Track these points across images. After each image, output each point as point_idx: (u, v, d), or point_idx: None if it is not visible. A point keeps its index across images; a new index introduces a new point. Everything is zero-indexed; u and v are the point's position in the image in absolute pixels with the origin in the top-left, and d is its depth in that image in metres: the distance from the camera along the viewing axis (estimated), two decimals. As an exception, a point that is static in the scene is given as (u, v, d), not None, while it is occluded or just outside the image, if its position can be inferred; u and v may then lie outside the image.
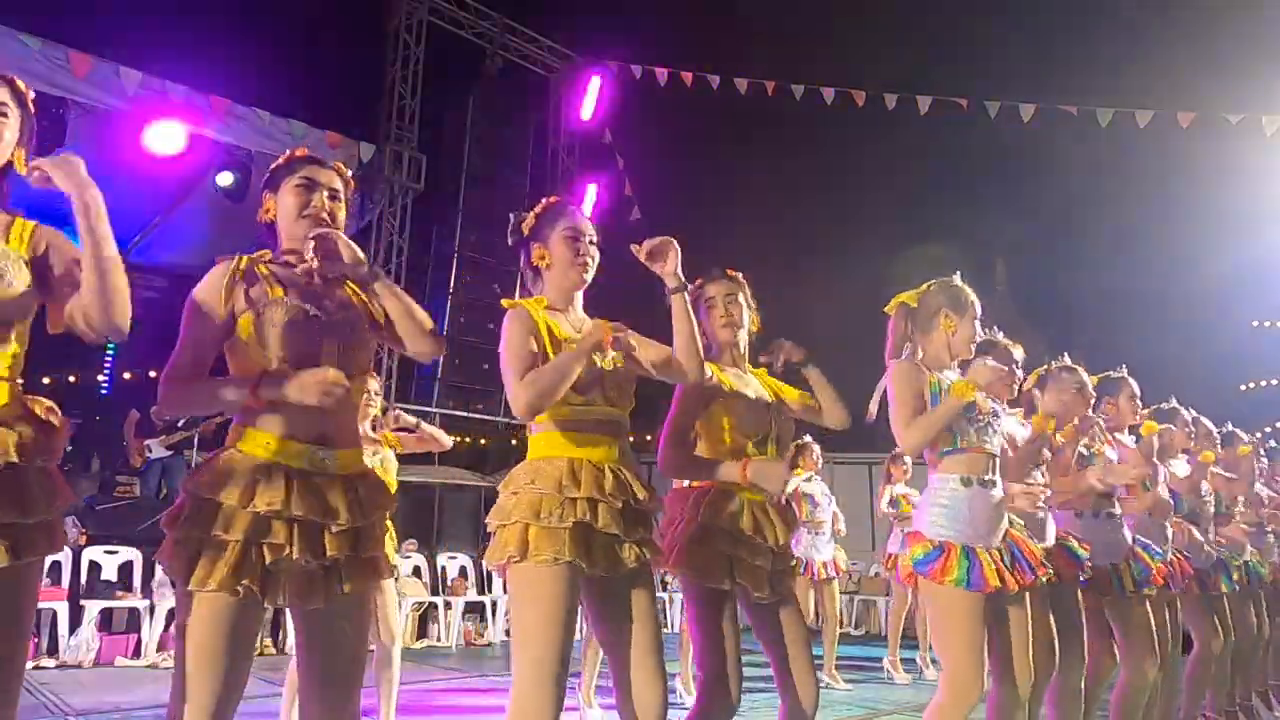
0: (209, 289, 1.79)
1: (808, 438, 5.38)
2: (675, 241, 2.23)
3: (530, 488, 2.02)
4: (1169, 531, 3.40)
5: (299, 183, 1.91)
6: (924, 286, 2.64)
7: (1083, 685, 2.92)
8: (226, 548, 1.63)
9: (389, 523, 3.71)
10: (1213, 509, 3.99)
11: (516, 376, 2.01)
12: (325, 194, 1.92)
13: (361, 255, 1.88)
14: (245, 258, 1.86)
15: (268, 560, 1.66)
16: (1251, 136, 8.42)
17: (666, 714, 2.03)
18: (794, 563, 2.58)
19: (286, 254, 1.91)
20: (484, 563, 2.11)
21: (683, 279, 2.21)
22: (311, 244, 1.82)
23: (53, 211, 1.65)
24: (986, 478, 2.47)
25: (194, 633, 1.63)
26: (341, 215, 1.97)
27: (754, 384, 2.59)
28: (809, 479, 6.06)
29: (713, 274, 2.62)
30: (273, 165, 1.98)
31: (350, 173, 2.02)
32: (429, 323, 1.92)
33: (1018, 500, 2.70)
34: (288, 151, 1.99)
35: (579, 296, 2.27)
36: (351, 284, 1.96)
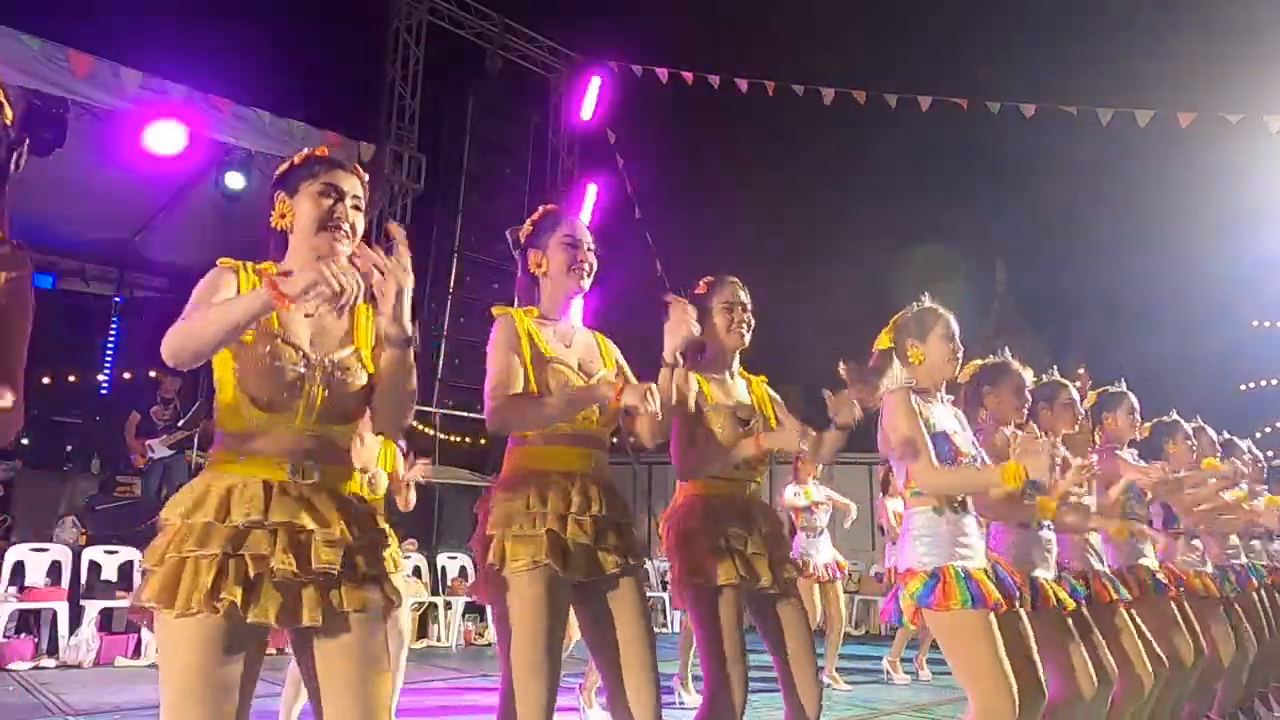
0: (219, 281, 1.64)
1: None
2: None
3: (503, 503, 2.05)
4: (1144, 546, 3.40)
5: (320, 189, 1.72)
6: (891, 323, 2.66)
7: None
8: (203, 565, 1.48)
9: (388, 528, 3.74)
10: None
11: (492, 390, 2.06)
12: (349, 203, 1.74)
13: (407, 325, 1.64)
14: (251, 267, 1.71)
15: (251, 573, 1.49)
16: (1252, 137, 8.41)
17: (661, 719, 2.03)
18: (790, 555, 2.58)
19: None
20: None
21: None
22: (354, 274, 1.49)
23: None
24: (958, 502, 2.45)
25: (174, 667, 1.46)
26: (361, 226, 1.78)
27: (738, 391, 2.58)
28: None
29: (726, 279, 2.61)
30: (288, 164, 1.79)
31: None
32: (409, 409, 1.78)
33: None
34: (304, 151, 1.81)
35: (577, 305, 2.27)
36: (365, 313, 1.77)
